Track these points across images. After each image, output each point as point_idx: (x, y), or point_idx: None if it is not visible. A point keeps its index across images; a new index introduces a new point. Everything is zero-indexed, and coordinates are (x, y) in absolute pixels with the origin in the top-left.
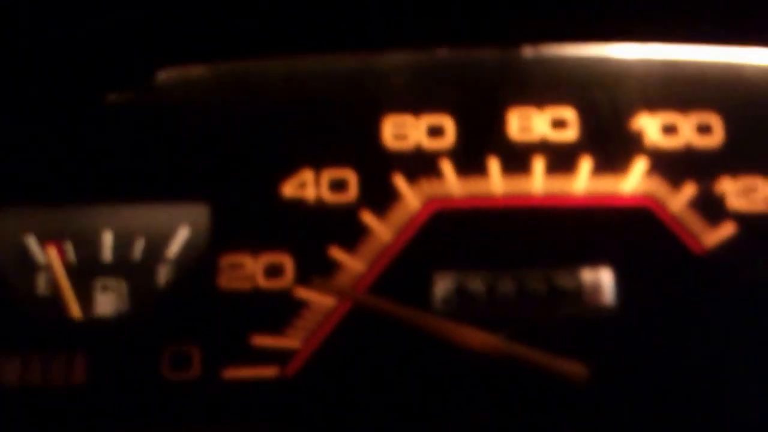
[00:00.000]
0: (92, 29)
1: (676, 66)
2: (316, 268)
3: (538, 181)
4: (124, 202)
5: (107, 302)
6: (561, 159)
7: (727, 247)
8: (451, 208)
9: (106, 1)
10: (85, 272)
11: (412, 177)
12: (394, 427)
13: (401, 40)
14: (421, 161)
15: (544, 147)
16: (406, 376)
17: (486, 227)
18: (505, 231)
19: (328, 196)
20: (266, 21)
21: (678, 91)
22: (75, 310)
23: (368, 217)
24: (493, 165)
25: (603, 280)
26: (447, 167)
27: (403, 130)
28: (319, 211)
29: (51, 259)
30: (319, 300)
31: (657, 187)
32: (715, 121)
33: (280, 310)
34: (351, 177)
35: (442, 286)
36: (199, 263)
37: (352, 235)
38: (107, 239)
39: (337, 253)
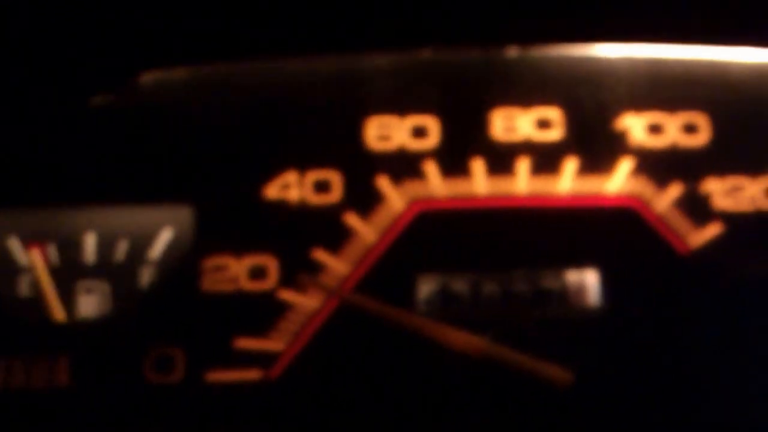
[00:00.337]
0: (75, 32)
1: (661, 65)
2: (299, 270)
3: (522, 181)
4: (107, 204)
5: (90, 304)
6: (546, 159)
7: (714, 247)
8: (435, 209)
9: (89, 3)
10: (68, 274)
11: (396, 178)
12: (378, 430)
13: (385, 40)
14: (405, 162)
15: (529, 147)
16: (390, 379)
17: (470, 228)
18: (490, 232)
19: (312, 197)
20: (249, 23)
21: (664, 90)
22: (58, 312)
23: (352, 219)
24: (478, 166)
25: (588, 281)
26: (431, 168)
27: (387, 131)
28: (302, 212)
29: (34, 261)
30: (302, 302)
31: (642, 187)
32: (702, 121)
33: (263, 312)
34: (335, 178)
35: (426, 287)
36: (183, 265)
37: (336, 236)
38: (90, 241)
39: (320, 255)
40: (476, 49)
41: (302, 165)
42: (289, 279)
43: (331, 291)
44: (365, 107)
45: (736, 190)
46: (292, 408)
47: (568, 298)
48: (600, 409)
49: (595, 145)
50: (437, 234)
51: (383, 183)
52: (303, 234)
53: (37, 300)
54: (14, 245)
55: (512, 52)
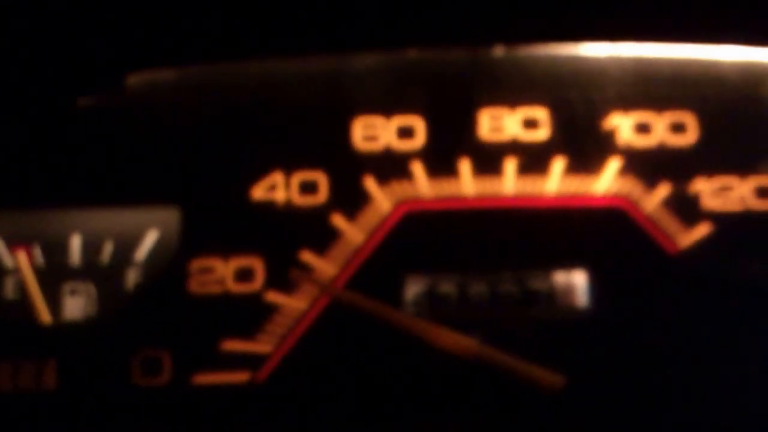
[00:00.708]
0: (62, 33)
1: (649, 64)
2: (286, 272)
3: (509, 182)
4: (93, 206)
5: (76, 306)
6: (533, 159)
7: (703, 247)
8: (422, 209)
9: (76, 5)
10: (54, 276)
11: (382, 179)
12: None
13: (371, 41)
14: (391, 163)
15: (516, 147)
16: (378, 381)
17: (457, 229)
18: (477, 233)
19: (298, 198)
20: (235, 25)
21: (651, 89)
22: (44, 314)
23: (339, 220)
24: (464, 166)
25: (576, 281)
26: (418, 169)
27: (374, 132)
28: (289, 213)
29: (20, 263)
30: (289, 304)
31: (631, 187)
32: (690, 120)
33: (250, 314)
34: (321, 179)
35: (414, 288)
36: (169, 267)
37: (323, 237)
38: (76, 243)
39: (307, 256)
40: (462, 49)
41: (288, 166)
42: (275, 280)
43: (323, 287)
44: (351, 107)
45: (725, 189)
46: (280, 411)
47: (556, 300)
48: (589, 410)
49: (583, 144)
50: (424, 235)
51: (370, 184)
52: (289, 235)
53: (23, 302)
54: (0, 247)
55: (499, 51)
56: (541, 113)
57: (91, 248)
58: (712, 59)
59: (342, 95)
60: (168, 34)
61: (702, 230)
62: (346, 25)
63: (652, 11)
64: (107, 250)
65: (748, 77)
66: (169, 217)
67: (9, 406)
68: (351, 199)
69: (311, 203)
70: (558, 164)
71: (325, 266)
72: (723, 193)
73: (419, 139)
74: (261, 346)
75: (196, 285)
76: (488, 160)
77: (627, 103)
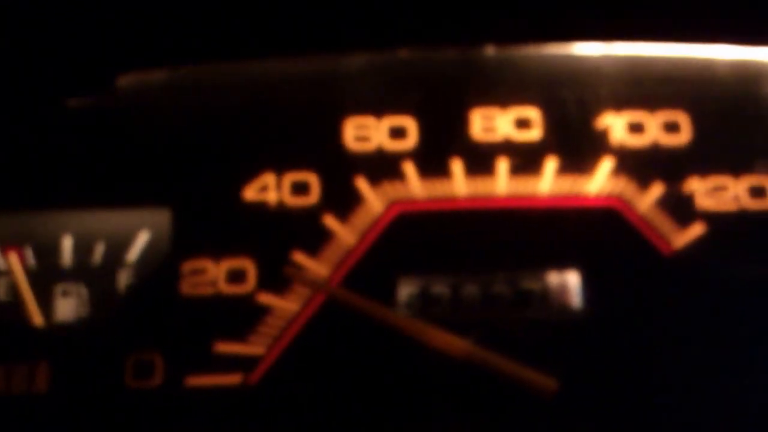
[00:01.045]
0: (53, 34)
1: (641, 63)
2: (278, 273)
3: (502, 182)
4: (84, 207)
5: (68, 308)
6: (525, 159)
7: (697, 247)
8: (414, 210)
9: (67, 6)
10: (46, 278)
11: (374, 179)
12: None
13: (362, 41)
14: (383, 163)
15: (508, 147)
16: (371, 383)
17: (450, 230)
18: (470, 233)
19: (290, 199)
20: (226, 25)
21: (644, 88)
22: (36, 316)
23: (331, 221)
24: (457, 166)
25: (570, 282)
26: (410, 169)
27: (365, 132)
28: (281, 215)
29: (12, 265)
30: (282, 305)
31: (624, 187)
32: (683, 119)
33: (242, 316)
34: (313, 180)
35: (407, 289)
36: (161, 269)
37: (315, 238)
38: (67, 244)
39: (299, 258)
40: (454, 49)
41: (280, 167)
42: (268, 282)
43: (318, 285)
44: (343, 108)
45: (719, 189)
46: (272, 413)
47: (549, 300)
48: (582, 411)
49: (575, 144)
50: (417, 235)
51: (362, 184)
52: (281, 236)
53: (15, 304)
54: None
55: (490, 51)
56: (533, 113)
57: (82, 249)
58: (705, 58)
59: (333, 96)
60: (159, 35)
61: (696, 230)
62: (338, 26)
63: (644, 10)
64: (99, 251)
65: (742, 76)
66: (161, 218)
67: (1, 409)
68: (343, 200)
69: (303, 204)
70: (551, 164)
71: (317, 267)
72: (717, 192)
73: (411, 140)
74: (253, 347)
75: (187, 286)
76: (480, 160)
77: (620, 103)
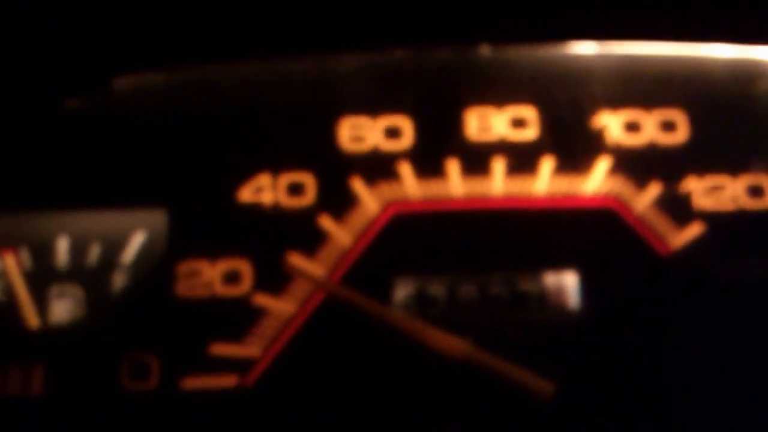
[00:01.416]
0: (49, 35)
1: (637, 62)
2: (274, 275)
3: (498, 182)
4: (80, 208)
5: (64, 309)
6: (521, 159)
7: (695, 247)
8: (410, 211)
9: (63, 7)
10: (41, 279)
11: (370, 180)
12: None
13: (357, 41)
14: (378, 163)
15: (504, 147)
16: (367, 384)
17: (446, 230)
18: (466, 234)
19: (286, 200)
20: (221, 27)
21: (640, 87)
22: (32, 318)
23: (326, 222)
24: (452, 166)
25: (567, 283)
26: (405, 169)
27: (360, 132)
28: (276, 215)
29: (8, 266)
30: (278, 307)
31: (621, 187)
32: (679, 118)
33: (238, 317)
34: (308, 181)
35: (403, 290)
36: (156, 270)
37: (311, 240)
38: (63, 245)
39: (295, 259)
40: (449, 49)
41: (275, 167)
42: (263, 283)
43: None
44: (338, 108)
45: (716, 188)
46: (268, 415)
47: (546, 301)
48: (579, 412)
49: (572, 144)
50: (413, 236)
51: (357, 185)
52: (277, 237)
53: (10, 306)
54: None
55: (485, 50)
56: (529, 112)
57: (78, 250)
58: (701, 57)
59: (328, 96)
60: (155, 37)
61: (694, 230)
62: (333, 26)
63: (640, 9)
64: (94, 252)
65: (738, 75)
66: (156, 219)
67: None
68: (339, 201)
69: (299, 205)
70: (547, 164)
71: (313, 269)
72: (715, 192)
73: (406, 140)
74: (249, 349)
75: (183, 288)
76: (476, 160)
77: (616, 102)
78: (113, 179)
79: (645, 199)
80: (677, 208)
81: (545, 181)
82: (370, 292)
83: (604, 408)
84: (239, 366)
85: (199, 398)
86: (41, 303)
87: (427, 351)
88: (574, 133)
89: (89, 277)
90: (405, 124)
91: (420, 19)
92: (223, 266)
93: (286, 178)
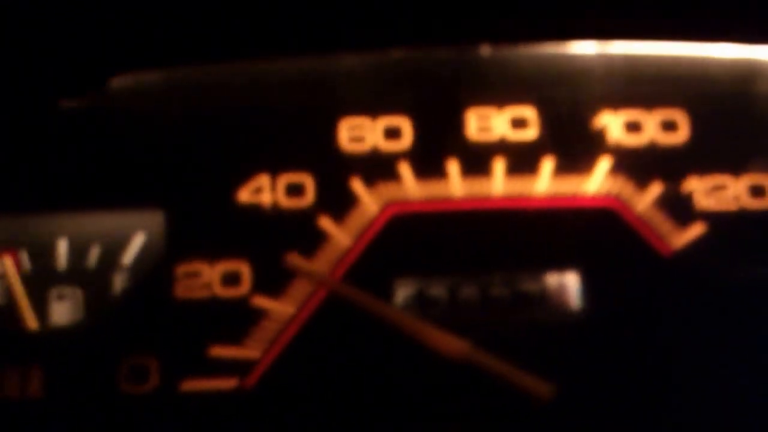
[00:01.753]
0: (46, 35)
1: (638, 62)
2: (274, 276)
3: (498, 182)
4: (78, 210)
5: (63, 311)
6: (522, 159)
7: (696, 247)
8: (410, 211)
9: (60, 7)
10: (41, 281)
11: (369, 180)
12: None
13: (356, 41)
14: (378, 164)
15: (504, 147)
16: (367, 386)
17: (446, 231)
18: (466, 234)
19: (285, 201)
20: (220, 27)
21: (641, 87)
22: (31, 320)
23: (326, 223)
24: (452, 167)
25: (568, 284)
26: (405, 170)
27: (360, 133)
28: (275, 216)
29: (7, 268)
30: (277, 308)
31: (621, 186)
32: (680, 118)
33: (238, 319)
34: (308, 181)
35: (403, 291)
36: (155, 271)
37: (310, 240)
38: (62, 247)
39: (294, 260)
40: (449, 49)
41: (274, 168)
42: (263, 285)
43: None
44: (337, 108)
45: (718, 188)
46: (268, 417)
47: (548, 302)
48: (581, 413)
49: (572, 144)
50: (413, 237)
51: (357, 185)
52: (276, 238)
53: (10, 308)
54: None
55: (485, 50)
56: (529, 112)
57: (77, 252)
58: (702, 56)
59: (328, 96)
60: (152, 37)
61: (695, 230)
62: (332, 26)
63: (641, 9)
64: (94, 254)
65: (739, 74)
66: (155, 220)
67: None
68: (338, 201)
69: (298, 206)
70: (547, 164)
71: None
72: (716, 192)
73: (406, 140)
74: (249, 351)
75: (182, 290)
76: (476, 160)
77: (617, 102)
78: (111, 180)
79: (646, 199)
80: (678, 208)
81: (546, 181)
82: (370, 292)
83: (606, 408)
84: (239, 368)
85: (199, 400)
86: (40, 305)
87: (427, 352)
88: (574, 133)
89: (88, 279)
90: (405, 125)
91: (420, 19)
92: (222, 267)
93: (286, 179)
